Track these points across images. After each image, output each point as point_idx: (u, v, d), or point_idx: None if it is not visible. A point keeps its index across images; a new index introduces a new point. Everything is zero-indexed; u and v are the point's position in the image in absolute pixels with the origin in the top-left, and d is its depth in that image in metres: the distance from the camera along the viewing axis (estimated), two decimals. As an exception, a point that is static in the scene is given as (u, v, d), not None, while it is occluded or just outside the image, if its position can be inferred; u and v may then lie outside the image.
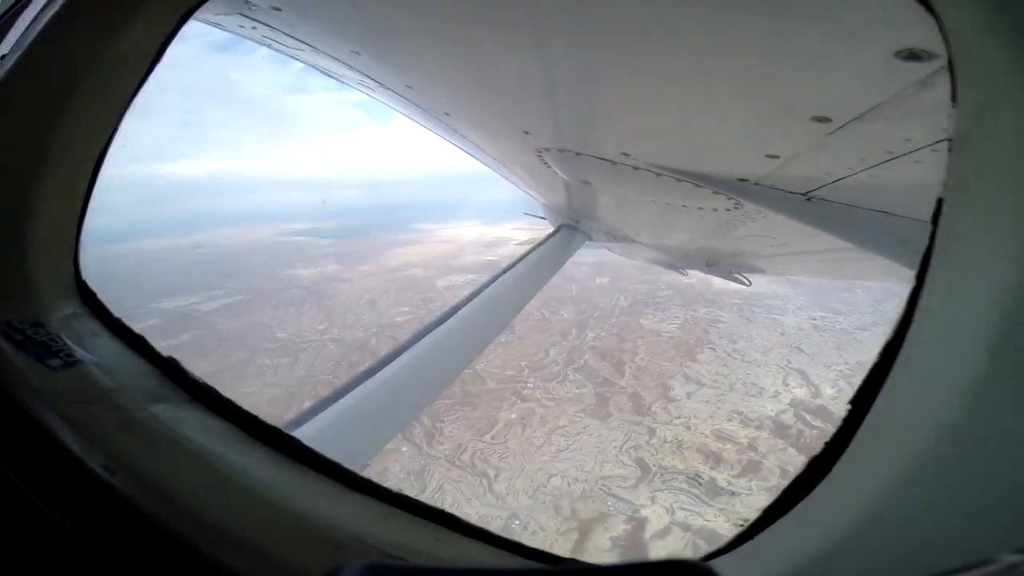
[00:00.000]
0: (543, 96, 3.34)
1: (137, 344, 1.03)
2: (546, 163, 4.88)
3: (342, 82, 5.06)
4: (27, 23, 1.00)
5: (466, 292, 5.44)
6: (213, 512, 0.79)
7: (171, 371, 0.99)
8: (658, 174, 3.95)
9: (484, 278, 5.86)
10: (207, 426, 0.93)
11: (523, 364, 35.49)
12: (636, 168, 4.04)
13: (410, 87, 4.43)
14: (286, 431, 0.97)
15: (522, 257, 6.51)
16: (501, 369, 34.29)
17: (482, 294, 5.36)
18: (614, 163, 4.12)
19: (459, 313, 4.87)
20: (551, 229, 7.84)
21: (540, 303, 39.51)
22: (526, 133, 4.47)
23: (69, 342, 0.93)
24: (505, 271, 6.05)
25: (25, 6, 1.05)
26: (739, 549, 0.91)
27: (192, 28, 1.21)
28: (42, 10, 0.99)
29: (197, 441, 0.89)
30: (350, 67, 4.15)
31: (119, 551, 0.70)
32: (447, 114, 5.08)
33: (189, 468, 0.85)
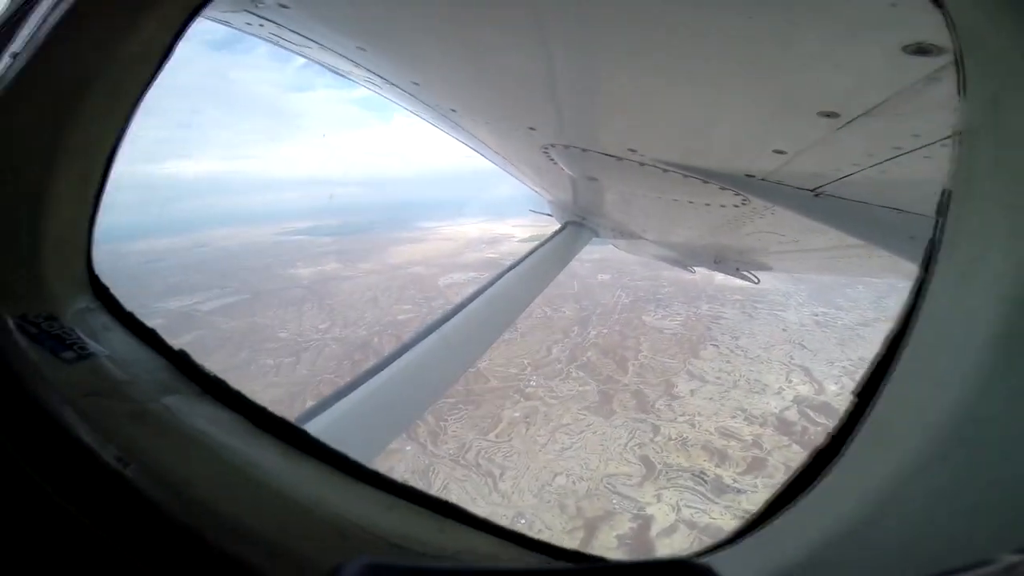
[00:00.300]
0: (549, 92, 3.33)
1: (149, 337, 1.04)
2: (552, 159, 4.87)
3: (348, 79, 5.04)
4: (38, 21, 1.00)
5: (468, 290, 5.42)
6: (222, 503, 0.80)
7: (182, 364, 1.00)
8: (665, 170, 3.93)
9: (487, 275, 5.83)
10: (217, 418, 0.94)
11: (526, 362, 35.54)
12: (642, 164, 4.02)
13: (416, 83, 4.42)
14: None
15: (529, 254, 6.47)
16: (504, 367, 34.35)
17: (488, 291, 5.33)
18: (620, 159, 4.11)
19: (465, 310, 4.85)
20: (555, 225, 7.81)
21: (542, 300, 39.46)
22: (532, 129, 4.45)
23: (82, 335, 0.94)
24: (512, 267, 6.01)
25: (36, 3, 1.04)
26: (740, 543, 0.91)
27: (191, 26, 1.20)
28: (53, 8, 0.99)
29: (208, 433, 0.90)
30: (356, 63, 4.14)
31: (130, 542, 0.71)
32: (453, 110, 5.07)
33: (200, 459, 0.86)
